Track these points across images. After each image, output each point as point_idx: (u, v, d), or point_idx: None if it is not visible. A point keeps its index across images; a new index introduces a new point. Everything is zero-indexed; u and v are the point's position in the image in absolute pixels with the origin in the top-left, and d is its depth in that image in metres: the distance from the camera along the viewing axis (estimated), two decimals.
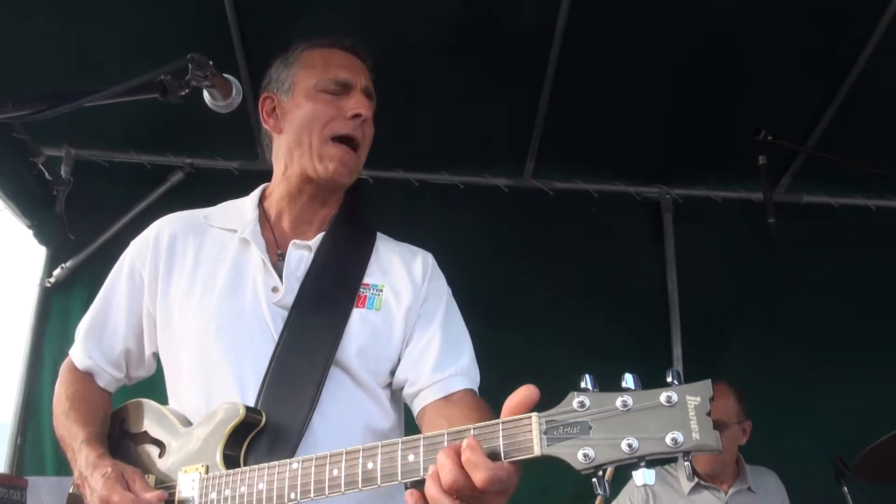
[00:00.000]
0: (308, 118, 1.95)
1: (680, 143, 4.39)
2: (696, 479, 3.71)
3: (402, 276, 1.99)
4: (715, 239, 4.62)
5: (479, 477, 1.30)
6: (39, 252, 4.37)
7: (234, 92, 1.76)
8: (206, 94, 1.74)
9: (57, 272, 4.30)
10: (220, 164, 4.48)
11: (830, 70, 4.03)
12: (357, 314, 1.89)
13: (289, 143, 1.98)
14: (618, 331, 4.36)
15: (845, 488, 3.55)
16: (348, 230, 2.05)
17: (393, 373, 1.93)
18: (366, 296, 1.93)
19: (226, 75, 1.73)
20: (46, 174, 4.08)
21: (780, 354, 4.44)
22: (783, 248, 4.21)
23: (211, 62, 1.65)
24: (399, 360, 1.93)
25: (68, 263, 4.30)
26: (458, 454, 1.32)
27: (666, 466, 3.85)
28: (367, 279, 1.96)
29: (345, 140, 1.95)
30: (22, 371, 4.16)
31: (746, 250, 4.52)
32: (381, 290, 1.94)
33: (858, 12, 3.72)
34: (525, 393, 1.34)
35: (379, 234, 2.11)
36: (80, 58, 3.71)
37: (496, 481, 1.30)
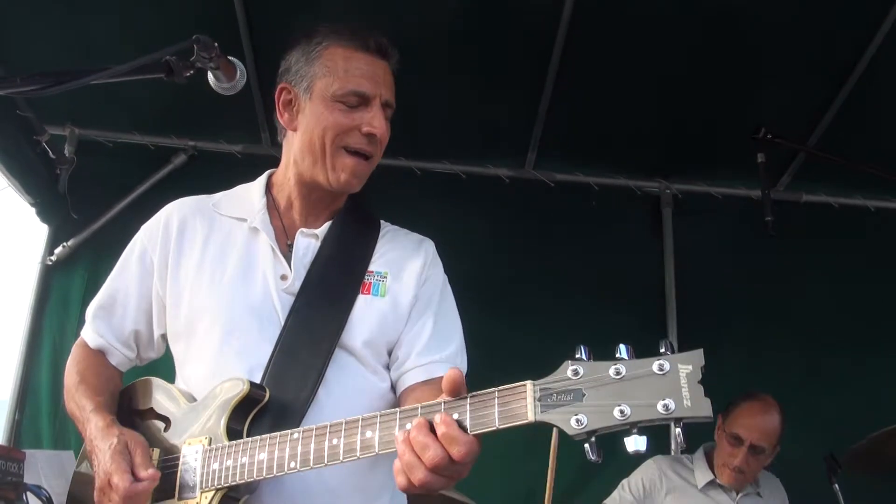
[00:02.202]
0: (323, 127, 1.93)
1: (681, 139, 4.40)
2: (712, 476, 3.68)
3: (405, 264, 2.03)
4: (714, 235, 4.63)
5: (456, 451, 1.38)
6: (41, 230, 4.38)
7: (238, 74, 1.78)
8: (210, 76, 1.76)
9: (58, 251, 4.32)
10: (223, 147, 4.48)
11: (833, 70, 4.03)
12: (362, 300, 1.94)
13: (301, 144, 1.98)
14: (614, 324, 4.37)
15: (836, 486, 3.56)
16: (355, 220, 2.09)
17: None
18: (370, 282, 1.97)
19: (230, 58, 1.75)
20: (50, 153, 4.10)
21: (775, 352, 4.46)
22: (781, 246, 4.23)
23: (216, 44, 1.67)
24: (398, 341, 1.97)
25: (70, 242, 4.32)
26: (433, 430, 1.41)
27: (685, 456, 3.86)
28: (371, 266, 2.01)
29: (357, 153, 1.96)
30: (21, 348, 4.19)
31: (745, 247, 4.52)
32: (385, 277, 1.99)
33: (862, 13, 3.72)
34: (449, 375, 1.45)
35: (383, 222, 2.15)
36: (81, 46, 3.72)
37: (472, 454, 1.38)
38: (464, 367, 1.97)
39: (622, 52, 3.90)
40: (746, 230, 4.40)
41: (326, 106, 1.93)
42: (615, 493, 3.75)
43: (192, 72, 1.64)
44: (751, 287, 4.59)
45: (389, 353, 1.98)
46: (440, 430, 1.40)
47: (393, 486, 1.88)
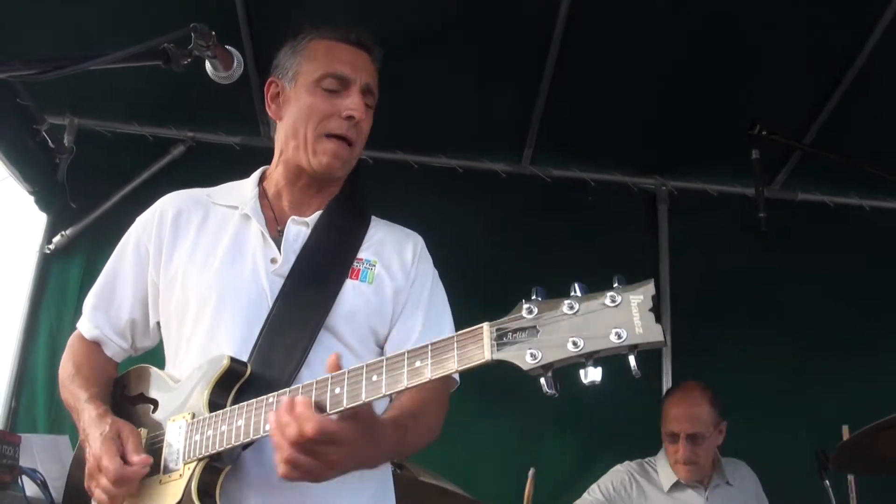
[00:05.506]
0: (304, 112, 2.01)
1: (678, 136, 4.41)
2: (677, 478, 3.68)
3: (393, 255, 2.07)
4: (709, 232, 4.64)
5: (308, 428, 1.49)
6: (40, 218, 4.40)
7: (235, 63, 1.80)
8: (207, 65, 1.78)
9: (57, 239, 4.33)
10: (221, 138, 4.50)
11: (830, 67, 4.04)
12: (350, 284, 1.98)
13: (286, 131, 2.06)
14: None
15: (827, 482, 3.57)
16: (345, 211, 2.12)
17: (381, 346, 2.01)
18: (359, 269, 2.01)
19: (227, 47, 1.77)
20: (49, 142, 4.11)
21: (769, 349, 4.47)
22: (776, 244, 4.25)
23: (213, 32, 1.69)
24: (388, 336, 2.00)
25: (68, 231, 4.34)
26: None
27: (647, 460, 3.87)
28: (361, 254, 2.04)
29: (338, 137, 2.02)
30: (18, 336, 4.21)
31: (740, 245, 4.53)
32: (374, 266, 2.02)
33: (859, 10, 3.73)
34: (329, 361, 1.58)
35: (373, 216, 2.18)
36: (81, 39, 3.72)
37: (323, 432, 1.49)
38: None
39: (619, 49, 3.92)
40: (741, 228, 4.39)
41: (309, 91, 2.02)
42: (585, 495, 3.74)
43: (189, 60, 1.66)
44: (745, 284, 4.60)
45: (381, 347, 2.00)
46: (296, 408, 1.52)
47: (378, 473, 1.91)
